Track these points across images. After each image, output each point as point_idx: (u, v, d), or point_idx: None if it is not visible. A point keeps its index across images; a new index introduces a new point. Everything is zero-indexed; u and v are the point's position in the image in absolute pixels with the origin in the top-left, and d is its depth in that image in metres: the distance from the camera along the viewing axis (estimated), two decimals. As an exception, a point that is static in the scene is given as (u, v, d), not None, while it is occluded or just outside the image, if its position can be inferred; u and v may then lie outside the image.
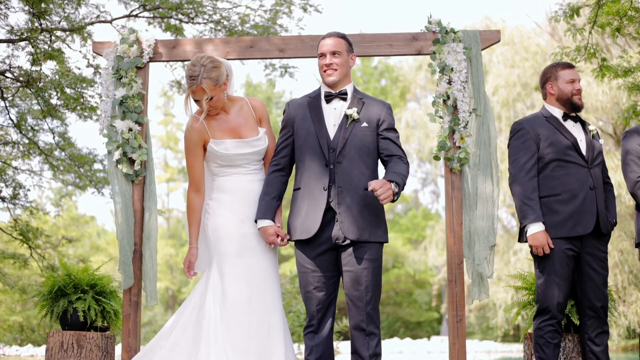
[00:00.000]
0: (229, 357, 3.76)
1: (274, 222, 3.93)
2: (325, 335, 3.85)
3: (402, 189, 3.79)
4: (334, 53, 3.93)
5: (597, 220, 4.21)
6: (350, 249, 3.79)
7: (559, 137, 4.29)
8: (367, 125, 3.90)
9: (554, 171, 4.26)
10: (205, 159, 4.11)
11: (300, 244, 3.87)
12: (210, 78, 3.90)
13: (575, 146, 4.26)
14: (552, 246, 4.16)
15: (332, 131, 3.89)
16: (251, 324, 3.83)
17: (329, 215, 3.80)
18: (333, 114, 3.93)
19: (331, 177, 3.81)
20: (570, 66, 4.42)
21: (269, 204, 3.92)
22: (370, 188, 3.62)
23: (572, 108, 4.36)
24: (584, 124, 4.41)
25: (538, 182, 4.28)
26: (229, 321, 3.82)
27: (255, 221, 3.94)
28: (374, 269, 3.81)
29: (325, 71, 3.94)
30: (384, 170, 3.90)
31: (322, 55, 3.95)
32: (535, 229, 4.16)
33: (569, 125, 4.35)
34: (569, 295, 4.24)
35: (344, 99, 3.95)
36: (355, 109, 3.89)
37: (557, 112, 4.38)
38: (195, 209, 4.03)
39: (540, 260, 4.25)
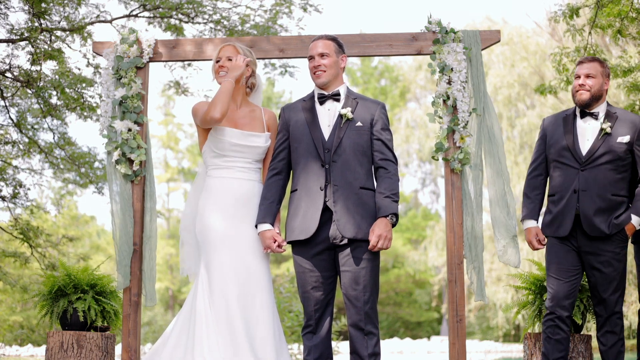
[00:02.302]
0: (221, 351, 3.77)
1: (273, 226, 3.94)
2: (323, 336, 3.86)
3: (397, 211, 3.87)
4: (322, 55, 3.96)
5: (576, 223, 4.18)
6: (348, 249, 3.80)
7: (560, 137, 4.29)
8: (361, 124, 3.92)
9: (553, 171, 4.34)
10: (203, 149, 4.14)
11: (298, 244, 3.88)
12: (241, 47, 4.17)
13: (571, 147, 4.22)
14: (543, 243, 4.31)
15: (326, 132, 3.91)
16: (237, 317, 3.83)
17: (327, 215, 3.82)
18: (327, 115, 3.95)
19: (327, 176, 3.83)
20: (581, 62, 4.34)
21: (268, 208, 3.93)
22: (370, 247, 3.74)
23: (576, 104, 4.34)
24: (605, 121, 4.24)
25: (548, 181, 4.39)
26: (216, 314, 3.84)
27: (256, 226, 3.95)
28: (372, 269, 3.82)
29: (314, 73, 3.98)
30: (375, 181, 3.94)
31: (311, 57, 3.99)
32: (527, 225, 4.39)
33: (583, 123, 4.28)
34: (571, 292, 4.21)
35: (337, 100, 3.98)
36: (349, 109, 3.92)
37: (577, 109, 4.35)
38: None
39: (545, 258, 4.36)
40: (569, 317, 4.22)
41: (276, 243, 3.90)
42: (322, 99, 3.97)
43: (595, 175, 4.18)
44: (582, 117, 4.30)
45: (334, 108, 3.96)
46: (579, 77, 4.29)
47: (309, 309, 3.86)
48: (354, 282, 3.78)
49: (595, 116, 4.27)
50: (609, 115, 4.27)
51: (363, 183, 3.87)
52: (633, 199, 4.25)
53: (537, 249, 4.36)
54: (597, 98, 4.26)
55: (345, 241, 3.80)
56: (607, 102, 4.34)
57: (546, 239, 4.34)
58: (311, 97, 4.04)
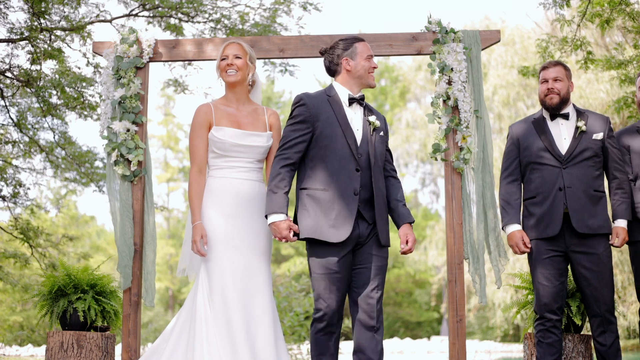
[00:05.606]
0: (220, 351, 3.77)
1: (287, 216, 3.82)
2: (339, 334, 3.89)
3: None
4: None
5: (565, 220, 4.20)
6: (366, 248, 3.83)
7: (535, 139, 4.34)
8: (383, 134, 3.98)
9: (531, 174, 4.35)
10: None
11: (325, 245, 3.78)
12: (246, 46, 4.18)
13: (549, 147, 4.28)
14: (529, 245, 4.28)
15: (357, 136, 3.88)
16: (237, 317, 3.83)
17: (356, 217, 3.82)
18: (354, 118, 3.92)
19: (362, 182, 3.82)
20: (545, 67, 4.41)
21: (282, 198, 3.76)
22: (405, 250, 3.86)
23: (545, 108, 4.39)
24: (579, 120, 4.35)
25: (523, 185, 4.40)
26: (216, 315, 3.84)
27: (266, 216, 3.80)
28: (385, 268, 3.88)
29: (370, 73, 3.96)
30: (386, 189, 3.98)
31: (371, 56, 3.98)
32: (510, 229, 4.34)
33: (555, 125, 4.35)
34: (559, 295, 4.24)
35: (361, 104, 3.96)
36: (375, 117, 3.95)
37: (545, 112, 4.41)
38: (199, 188, 4.01)
39: (529, 263, 4.35)
40: (559, 320, 4.24)
41: (291, 232, 3.75)
42: (352, 101, 3.93)
43: (577, 172, 4.25)
44: (552, 119, 4.37)
45: (359, 112, 3.94)
46: (546, 81, 4.37)
47: (332, 310, 3.77)
48: (371, 279, 3.79)
49: (565, 116, 4.36)
50: (581, 114, 4.39)
51: (386, 192, 3.95)
52: (612, 201, 4.36)
53: (524, 252, 4.33)
54: (565, 101, 4.36)
55: (367, 241, 3.82)
56: (572, 103, 4.44)
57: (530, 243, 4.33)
58: (335, 94, 3.95)
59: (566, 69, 4.40)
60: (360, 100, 3.94)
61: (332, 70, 4.00)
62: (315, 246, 3.81)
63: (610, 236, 4.31)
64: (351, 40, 3.97)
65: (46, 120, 9.24)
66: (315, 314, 3.81)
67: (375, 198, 3.82)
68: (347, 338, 14.57)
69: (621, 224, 4.31)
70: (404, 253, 3.87)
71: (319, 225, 3.76)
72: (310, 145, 3.86)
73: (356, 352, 3.79)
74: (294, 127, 3.85)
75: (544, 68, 4.42)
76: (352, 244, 3.80)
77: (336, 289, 3.79)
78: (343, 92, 3.94)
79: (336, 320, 3.82)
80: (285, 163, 3.81)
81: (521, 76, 9.27)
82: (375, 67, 3.97)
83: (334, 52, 3.97)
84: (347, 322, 11.17)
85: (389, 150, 4.06)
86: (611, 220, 4.34)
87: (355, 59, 3.93)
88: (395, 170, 4.06)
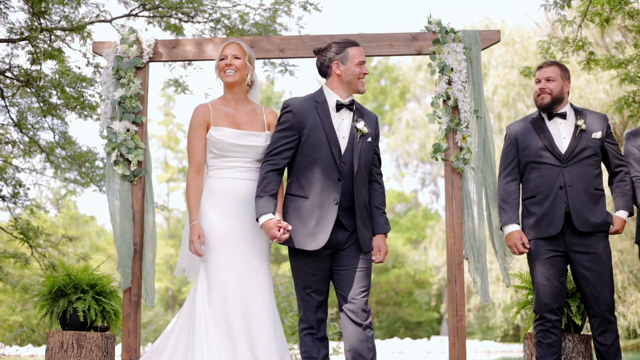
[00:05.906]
0: (220, 351, 3.78)
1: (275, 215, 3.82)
2: (324, 335, 3.88)
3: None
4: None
5: (566, 219, 4.19)
6: (347, 252, 3.83)
7: (534, 138, 4.33)
8: (370, 139, 3.92)
9: (530, 173, 4.34)
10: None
11: (304, 253, 3.83)
12: (245, 46, 4.17)
13: (548, 146, 4.27)
14: (528, 246, 4.27)
15: (342, 144, 3.85)
16: (236, 317, 3.83)
17: (335, 225, 3.81)
18: (342, 125, 3.88)
19: (343, 191, 3.80)
20: (540, 66, 4.43)
21: (268, 200, 3.79)
22: (377, 261, 3.92)
23: (538, 108, 4.39)
24: (578, 119, 4.35)
25: (522, 184, 4.39)
26: (215, 314, 3.84)
27: (257, 219, 3.83)
28: (370, 269, 3.89)
29: (360, 79, 3.93)
30: (369, 193, 3.99)
31: (363, 62, 3.94)
32: (509, 229, 4.32)
33: (554, 124, 4.35)
34: (559, 295, 4.23)
35: (351, 110, 3.92)
36: (363, 122, 3.89)
37: (542, 112, 4.41)
38: (197, 188, 4.01)
39: (529, 263, 4.34)
40: (558, 320, 4.24)
41: (281, 231, 3.75)
42: (339, 107, 3.90)
43: (578, 170, 4.25)
44: (549, 118, 4.36)
45: (348, 118, 3.90)
46: (539, 81, 4.37)
47: (310, 312, 3.85)
48: (356, 280, 3.80)
49: (563, 116, 4.35)
50: (579, 113, 4.38)
51: (368, 198, 3.94)
52: (614, 194, 4.37)
53: (522, 253, 4.32)
54: (559, 100, 4.35)
55: (347, 245, 3.83)
56: (570, 102, 4.43)
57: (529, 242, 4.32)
58: (323, 99, 3.92)
59: (562, 69, 4.39)
60: (349, 106, 3.90)
61: (322, 72, 3.98)
62: (294, 253, 3.86)
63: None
64: (344, 44, 3.93)
65: (46, 120, 9.24)
66: (299, 315, 3.91)
67: (357, 207, 3.82)
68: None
69: (622, 215, 4.34)
70: (374, 262, 3.93)
71: (296, 234, 3.80)
72: (297, 151, 3.87)
73: (348, 351, 3.81)
74: (281, 133, 3.87)
75: (539, 68, 4.43)
76: (330, 251, 3.83)
77: (313, 291, 3.85)
78: (331, 98, 3.91)
79: (316, 322, 3.86)
80: (272, 168, 3.85)
81: (521, 76, 9.25)
82: (366, 73, 3.93)
83: (326, 55, 3.94)
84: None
85: (377, 154, 4.02)
86: (612, 215, 4.34)
87: (346, 64, 3.90)
88: (380, 175, 4.03)
